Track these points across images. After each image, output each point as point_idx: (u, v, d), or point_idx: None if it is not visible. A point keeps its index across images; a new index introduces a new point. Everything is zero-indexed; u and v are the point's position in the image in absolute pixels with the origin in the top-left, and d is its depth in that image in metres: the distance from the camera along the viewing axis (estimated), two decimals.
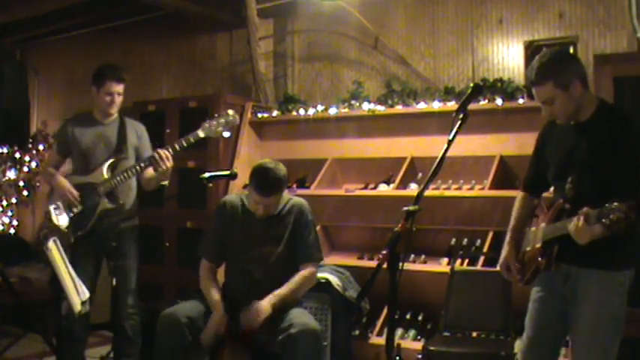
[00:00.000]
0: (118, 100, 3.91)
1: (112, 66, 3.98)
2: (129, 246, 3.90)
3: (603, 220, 2.19)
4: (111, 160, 3.83)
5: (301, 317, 3.09)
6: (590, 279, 2.50)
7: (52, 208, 3.85)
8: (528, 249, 2.68)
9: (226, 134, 3.72)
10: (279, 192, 3.22)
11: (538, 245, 2.63)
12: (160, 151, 3.69)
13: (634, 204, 2.16)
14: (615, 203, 2.17)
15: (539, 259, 2.61)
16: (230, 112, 3.67)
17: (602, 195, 2.29)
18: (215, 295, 3.22)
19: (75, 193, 3.81)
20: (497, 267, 2.81)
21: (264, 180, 3.14)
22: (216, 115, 3.74)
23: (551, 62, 2.54)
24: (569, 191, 2.55)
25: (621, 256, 2.50)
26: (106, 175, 3.80)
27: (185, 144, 3.73)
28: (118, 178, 3.78)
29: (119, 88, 3.88)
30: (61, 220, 3.83)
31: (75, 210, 3.82)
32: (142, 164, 3.80)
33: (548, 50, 2.67)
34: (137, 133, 3.99)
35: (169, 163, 3.70)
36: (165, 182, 3.86)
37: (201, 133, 3.68)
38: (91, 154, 3.87)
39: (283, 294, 3.17)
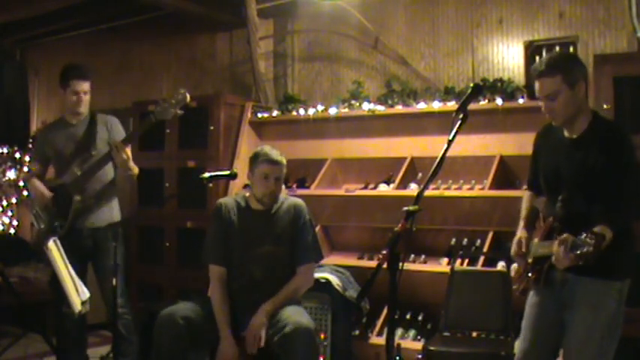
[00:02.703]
0: (85, 98, 3.91)
1: (75, 65, 4.02)
2: (109, 244, 3.84)
3: (576, 252, 2.26)
4: (78, 159, 3.83)
5: (294, 316, 3.08)
6: (587, 285, 2.51)
7: (32, 214, 3.90)
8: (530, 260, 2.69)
9: (180, 112, 3.73)
10: (284, 164, 3.30)
11: (530, 260, 2.64)
12: (116, 142, 3.73)
13: (602, 238, 2.23)
14: (585, 235, 2.23)
15: (529, 274, 2.63)
16: (181, 90, 3.69)
17: (591, 216, 2.32)
18: (225, 323, 3.13)
19: (47, 194, 3.82)
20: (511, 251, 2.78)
21: (269, 151, 3.27)
22: (167, 99, 3.74)
23: (562, 58, 2.59)
24: (560, 210, 2.56)
25: (618, 267, 2.51)
26: (76, 174, 3.80)
27: (142, 130, 3.83)
28: (86, 175, 3.79)
29: (84, 86, 3.89)
30: (41, 224, 3.86)
31: (52, 212, 3.83)
32: (103, 159, 3.80)
33: (558, 50, 2.70)
34: (107, 126, 3.97)
35: (124, 155, 3.72)
36: (130, 173, 3.87)
37: (153, 118, 3.71)
38: (63, 156, 3.89)
39: (278, 301, 3.16)
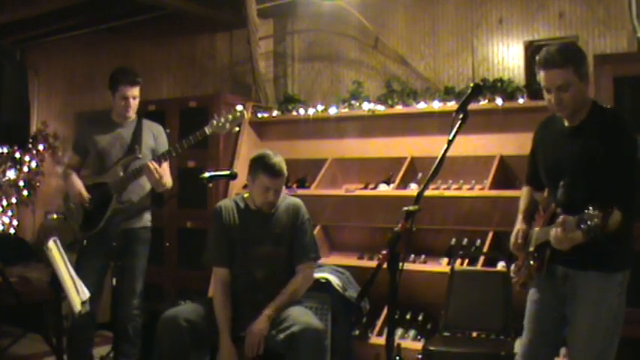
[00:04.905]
0: (134, 103, 3.92)
1: (125, 69, 3.98)
2: (139, 247, 3.89)
3: (582, 226, 2.22)
4: (123, 160, 3.84)
5: (303, 316, 3.09)
6: (589, 279, 2.50)
7: (66, 209, 3.94)
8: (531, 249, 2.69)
9: (236, 129, 3.71)
10: (285, 175, 3.26)
11: (531, 249, 2.64)
12: (149, 163, 3.70)
13: (611, 211, 2.19)
14: (591, 209, 2.20)
15: (532, 262, 2.62)
16: (238, 107, 3.67)
17: (594, 200, 2.30)
18: (226, 327, 3.14)
19: (85, 193, 3.84)
20: (510, 242, 2.75)
21: (271, 162, 3.19)
22: (224, 112, 3.73)
23: (572, 49, 2.54)
24: (562, 196, 2.55)
25: (618, 259, 2.51)
26: (119, 175, 3.81)
27: (192, 141, 3.73)
28: (128, 178, 3.79)
29: (133, 91, 3.89)
30: (75, 220, 3.89)
31: (87, 209, 3.84)
32: (139, 168, 3.79)
33: (566, 42, 2.63)
34: (154, 134, 3.99)
35: (157, 175, 3.70)
36: (164, 189, 3.87)
37: (208, 130, 3.68)
38: (106, 155, 3.89)
39: (280, 304, 3.16)
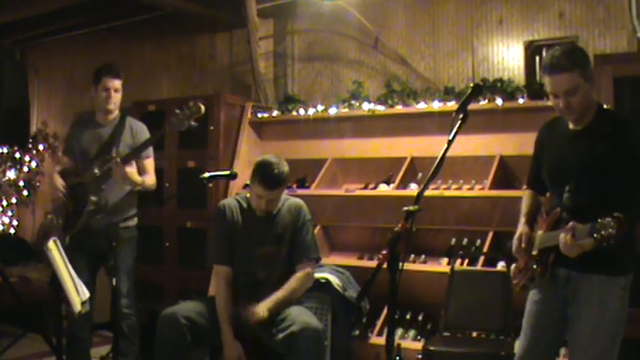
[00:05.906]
0: (115, 96, 3.92)
1: (107, 63, 4.04)
2: (121, 246, 3.85)
3: (595, 235, 2.22)
4: (100, 160, 3.84)
5: (302, 316, 3.10)
6: (591, 282, 2.50)
7: (54, 207, 3.96)
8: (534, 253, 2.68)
9: (194, 124, 3.71)
10: (282, 186, 3.24)
11: (534, 253, 2.63)
12: (114, 161, 3.72)
13: (625, 219, 2.18)
14: (607, 218, 2.19)
15: (535, 266, 2.62)
16: (198, 103, 3.67)
17: (600, 204, 2.29)
18: (229, 325, 3.14)
19: (61, 192, 3.86)
20: (513, 242, 2.74)
21: (268, 173, 3.16)
22: (182, 108, 3.72)
23: (577, 52, 2.52)
24: (567, 200, 2.54)
25: (621, 262, 2.50)
26: (94, 175, 3.80)
27: (152, 141, 3.82)
28: (104, 177, 3.79)
29: (115, 83, 3.91)
30: (60, 219, 3.90)
31: (69, 209, 3.86)
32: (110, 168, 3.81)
33: (568, 44, 2.61)
34: (133, 132, 3.98)
35: (122, 170, 3.71)
36: (136, 187, 3.90)
37: (167, 127, 3.71)
38: (87, 155, 3.91)
39: (280, 297, 3.17)
